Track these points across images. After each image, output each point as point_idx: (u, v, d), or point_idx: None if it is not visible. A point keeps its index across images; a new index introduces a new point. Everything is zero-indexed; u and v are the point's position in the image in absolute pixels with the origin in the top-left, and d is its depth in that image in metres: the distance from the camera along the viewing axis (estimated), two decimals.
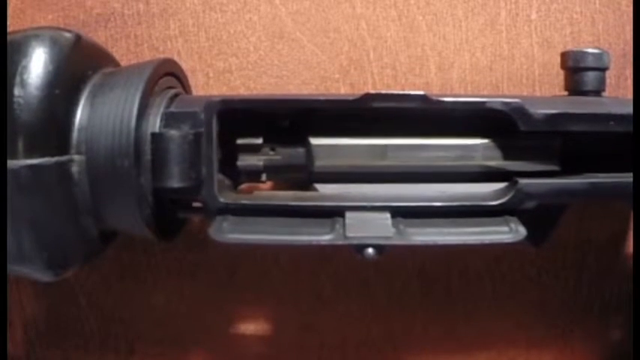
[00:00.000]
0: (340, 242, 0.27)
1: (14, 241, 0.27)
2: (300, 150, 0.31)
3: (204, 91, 0.38)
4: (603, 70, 0.33)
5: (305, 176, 0.31)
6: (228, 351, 0.41)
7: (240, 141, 0.31)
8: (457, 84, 0.38)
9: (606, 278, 0.39)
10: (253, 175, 0.31)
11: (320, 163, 0.30)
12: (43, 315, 0.41)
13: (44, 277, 0.29)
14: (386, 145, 0.30)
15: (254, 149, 0.31)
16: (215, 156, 0.29)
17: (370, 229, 0.28)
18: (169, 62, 0.32)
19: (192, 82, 0.36)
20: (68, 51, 0.28)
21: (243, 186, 0.34)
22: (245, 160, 0.31)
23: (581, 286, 0.40)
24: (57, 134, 0.28)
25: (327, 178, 0.31)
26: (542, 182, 0.29)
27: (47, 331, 0.41)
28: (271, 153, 0.31)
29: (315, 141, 0.30)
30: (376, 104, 0.29)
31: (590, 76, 0.33)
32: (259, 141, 0.31)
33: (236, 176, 0.32)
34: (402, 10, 0.38)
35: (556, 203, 0.32)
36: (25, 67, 0.27)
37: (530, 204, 0.29)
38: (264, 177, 0.32)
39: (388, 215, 0.29)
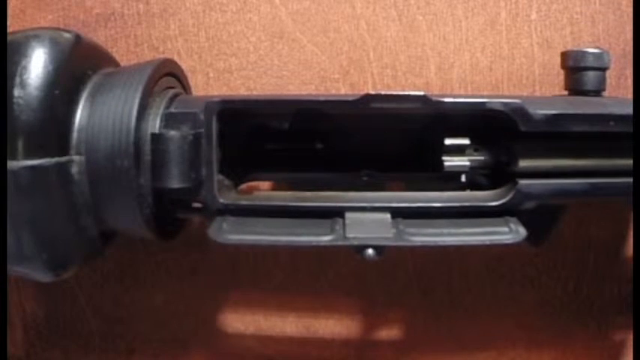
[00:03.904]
0: (340, 243, 0.27)
1: (14, 242, 0.27)
2: (503, 150, 0.31)
3: (204, 91, 0.38)
4: (603, 69, 0.33)
5: (505, 176, 0.31)
6: (228, 351, 0.41)
7: (448, 141, 0.30)
8: (457, 84, 0.38)
9: (606, 278, 0.39)
10: (454, 176, 0.31)
11: (524, 163, 0.30)
12: (43, 315, 0.41)
13: (44, 277, 0.29)
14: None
15: (461, 150, 0.30)
16: (215, 156, 0.29)
17: (370, 229, 0.28)
18: (169, 62, 0.32)
19: (192, 82, 0.36)
20: (68, 51, 0.28)
21: (243, 186, 0.34)
22: (452, 161, 0.30)
23: (581, 286, 0.39)
24: (57, 135, 0.28)
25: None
26: (541, 183, 0.29)
27: (47, 331, 0.41)
28: (475, 153, 0.31)
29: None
30: (376, 105, 0.28)
31: (591, 76, 0.33)
32: (466, 141, 0.30)
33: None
34: (402, 10, 0.38)
35: (556, 203, 0.32)
36: (25, 68, 0.27)
37: (530, 204, 0.29)
38: (463, 178, 0.31)
39: (388, 216, 0.29)
